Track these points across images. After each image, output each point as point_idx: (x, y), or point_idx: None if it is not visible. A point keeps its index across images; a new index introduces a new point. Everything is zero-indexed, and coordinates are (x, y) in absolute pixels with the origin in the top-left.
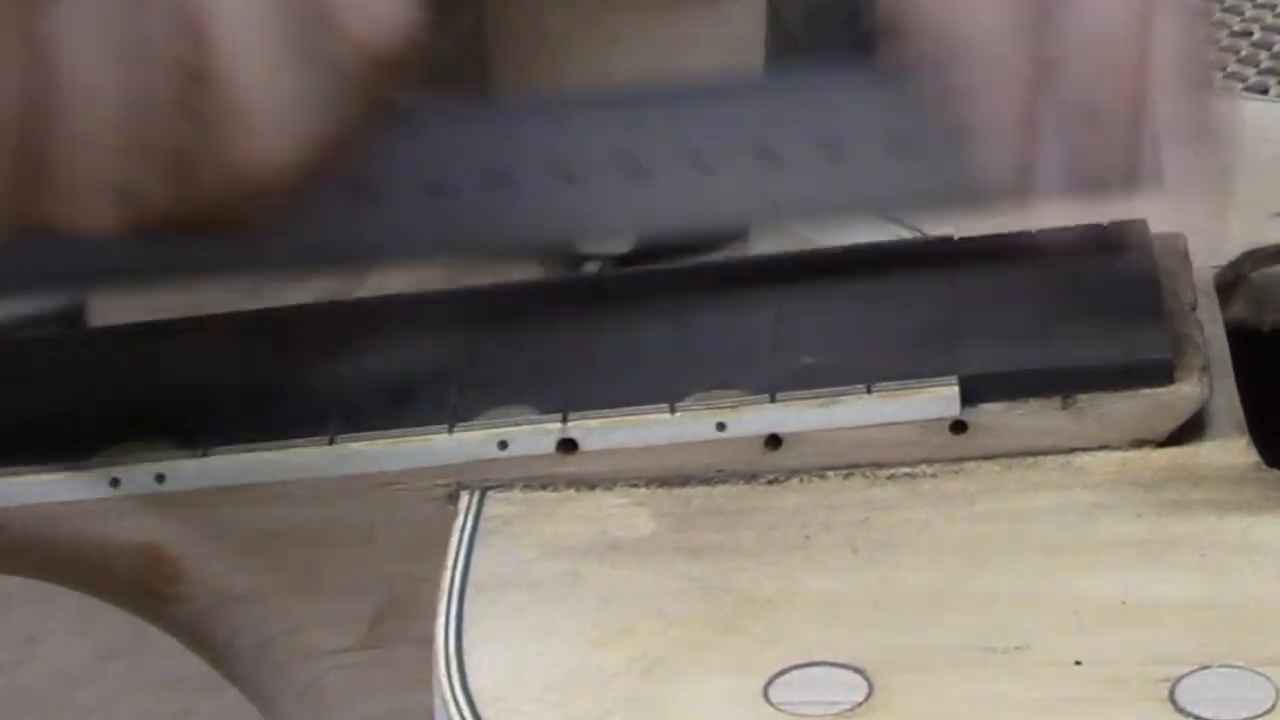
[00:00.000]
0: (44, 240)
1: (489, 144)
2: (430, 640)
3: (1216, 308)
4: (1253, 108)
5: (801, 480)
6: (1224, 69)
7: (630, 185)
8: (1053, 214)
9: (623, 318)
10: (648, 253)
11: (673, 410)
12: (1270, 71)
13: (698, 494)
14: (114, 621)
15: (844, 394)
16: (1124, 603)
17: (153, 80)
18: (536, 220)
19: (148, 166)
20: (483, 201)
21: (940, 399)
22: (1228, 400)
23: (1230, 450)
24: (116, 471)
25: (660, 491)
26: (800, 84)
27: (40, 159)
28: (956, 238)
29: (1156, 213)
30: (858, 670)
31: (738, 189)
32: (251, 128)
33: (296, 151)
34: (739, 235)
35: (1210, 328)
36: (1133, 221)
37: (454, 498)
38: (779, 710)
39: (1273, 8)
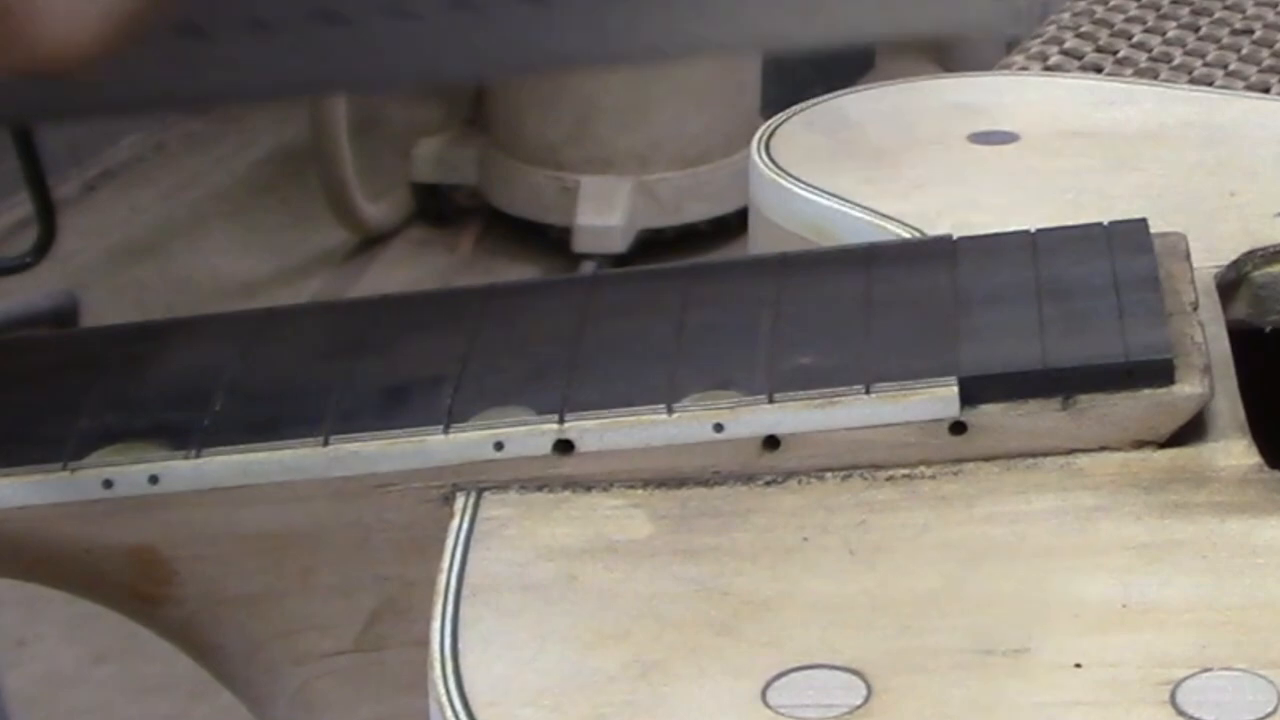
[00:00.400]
0: None
1: None
2: (425, 643)
3: (1218, 308)
4: (1254, 106)
5: (799, 482)
6: (1225, 67)
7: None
8: (1052, 215)
9: (620, 318)
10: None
11: (670, 411)
12: (1271, 70)
13: (695, 496)
14: (106, 624)
15: (842, 395)
16: (1125, 605)
17: None
18: (363, 55)
19: None
20: (309, 37)
21: (939, 400)
22: (1229, 401)
23: (1232, 451)
24: (109, 473)
25: (657, 493)
26: None
27: None
28: (955, 237)
29: (1157, 213)
30: (856, 673)
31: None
32: (39, 11)
33: (89, 34)
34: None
35: (1211, 328)
36: (1133, 221)
37: (449, 499)
38: (777, 713)
39: (1274, 6)
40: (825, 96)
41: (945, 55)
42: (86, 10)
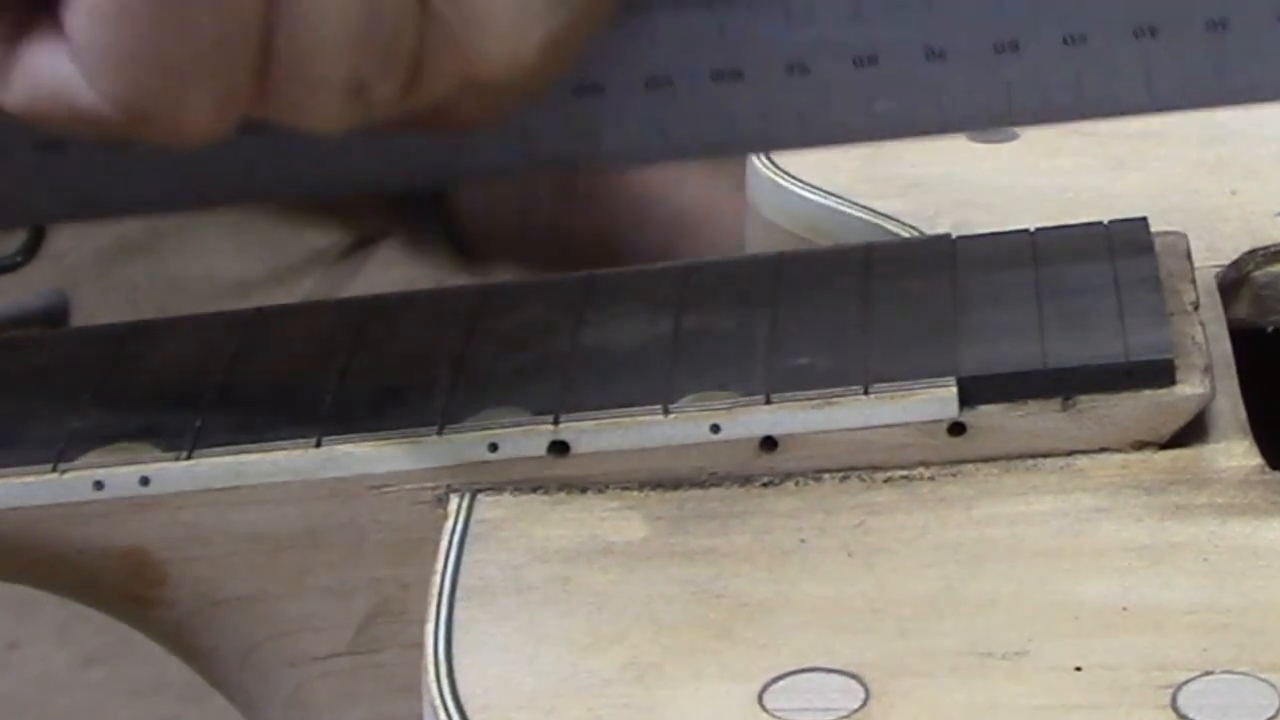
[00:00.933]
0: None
1: (716, 36)
2: (419, 646)
3: (1219, 307)
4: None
5: (797, 483)
6: None
7: (861, 77)
8: (1051, 214)
9: (615, 318)
10: None
11: (666, 412)
12: None
13: (691, 497)
14: (96, 627)
15: (840, 395)
16: (1125, 608)
17: None
18: (765, 115)
19: (380, 63)
20: (707, 96)
21: (938, 400)
22: (1231, 402)
23: (1233, 453)
24: (100, 474)
25: (653, 495)
26: None
27: (275, 52)
28: (954, 236)
29: (1157, 212)
30: (854, 676)
31: (971, 79)
32: (485, 27)
33: (535, 53)
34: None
35: (1212, 328)
36: (1133, 220)
37: (443, 501)
38: (774, 717)
39: None
40: None
41: None
42: (531, 27)
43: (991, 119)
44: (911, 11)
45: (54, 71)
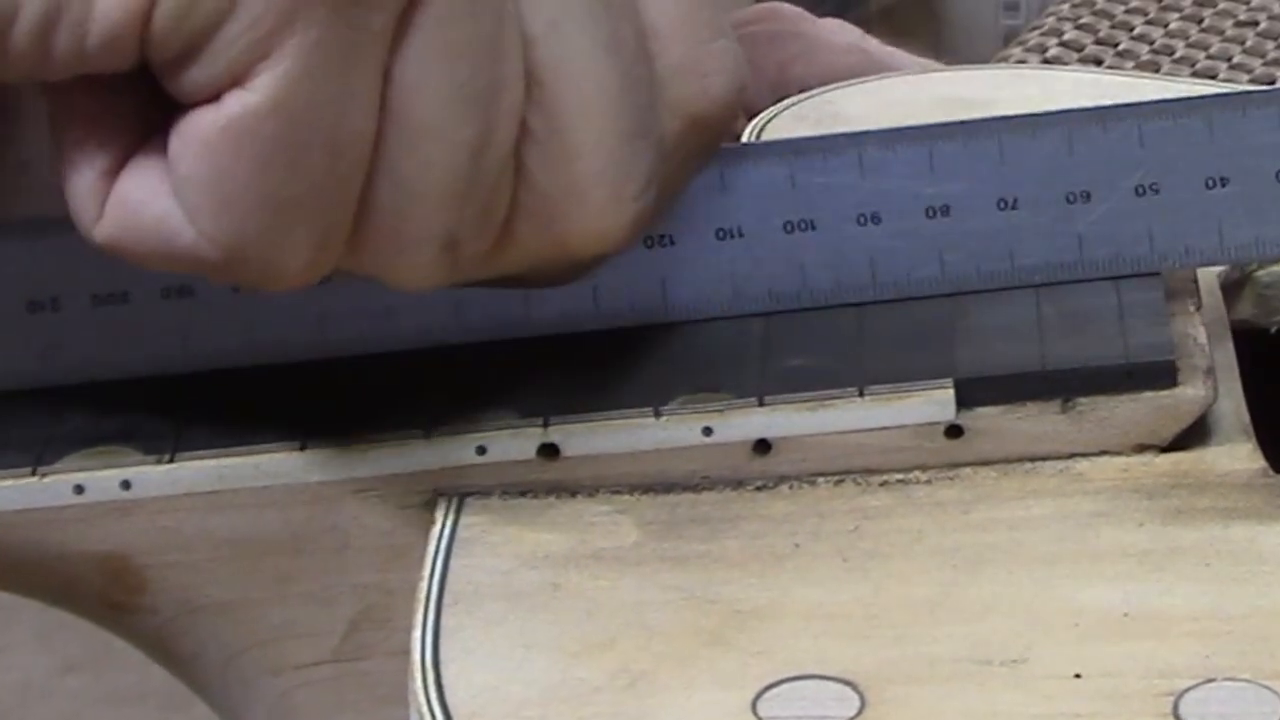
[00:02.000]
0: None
1: (790, 187)
2: (406, 653)
3: (1221, 308)
4: None
5: (791, 487)
6: (1229, 60)
7: (935, 226)
8: None
9: None
10: None
11: (657, 415)
12: (1277, 63)
13: (683, 501)
14: (76, 633)
15: (835, 397)
16: (1126, 614)
17: (491, 133)
18: (835, 264)
19: (475, 223)
20: (781, 247)
21: (935, 402)
22: (1233, 404)
23: (1236, 455)
24: (80, 478)
25: (644, 499)
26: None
27: (376, 200)
28: None
29: None
30: (849, 683)
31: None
32: (582, 200)
33: (626, 230)
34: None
35: (1215, 329)
36: None
37: (430, 505)
38: None
39: None
40: (816, 91)
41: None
42: (624, 205)
43: (1063, 269)
44: (984, 163)
45: (153, 207)
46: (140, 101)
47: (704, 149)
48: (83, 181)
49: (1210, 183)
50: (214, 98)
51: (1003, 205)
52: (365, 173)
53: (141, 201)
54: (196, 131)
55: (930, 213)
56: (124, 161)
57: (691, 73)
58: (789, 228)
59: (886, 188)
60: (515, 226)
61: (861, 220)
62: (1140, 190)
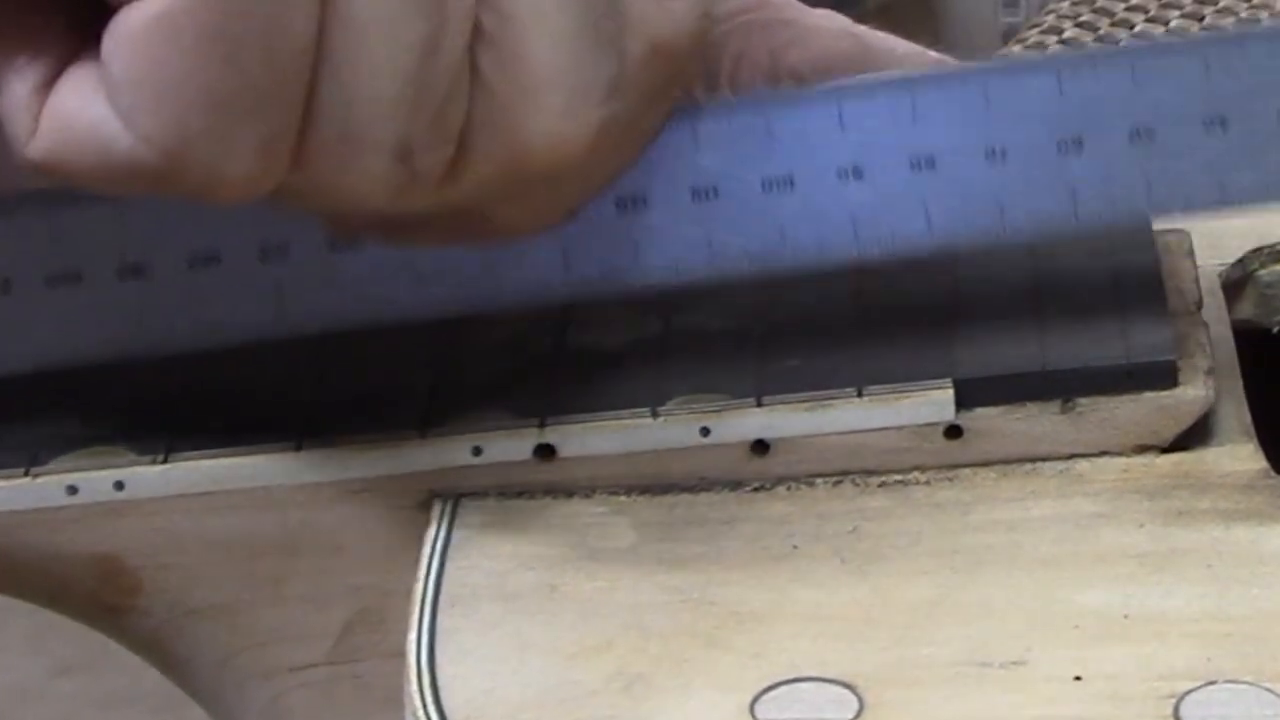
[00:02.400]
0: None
1: (764, 145)
2: (401, 655)
3: (1223, 307)
4: None
5: (789, 488)
6: None
7: (919, 179)
8: None
9: (603, 317)
10: None
11: (655, 415)
12: None
13: (680, 502)
14: (69, 635)
15: (833, 398)
16: (1126, 616)
17: (442, 32)
18: (816, 223)
19: (428, 128)
20: (758, 207)
21: (934, 403)
22: (1234, 404)
23: (1237, 456)
24: (73, 479)
25: (641, 500)
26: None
27: (322, 104)
28: None
29: None
30: (847, 686)
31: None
32: (538, 103)
33: (586, 137)
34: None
35: (1216, 328)
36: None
37: (426, 506)
38: None
39: None
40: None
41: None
42: (584, 109)
43: (1055, 222)
44: (970, 111)
45: (88, 114)
46: (72, 9)
47: (668, 80)
48: (15, 97)
49: (1209, 125)
50: None
51: (990, 156)
52: (309, 72)
53: (76, 111)
54: (128, 28)
55: (915, 165)
56: (58, 74)
57: None
58: (766, 186)
59: (868, 140)
60: (473, 137)
61: (842, 175)
62: (1135, 135)
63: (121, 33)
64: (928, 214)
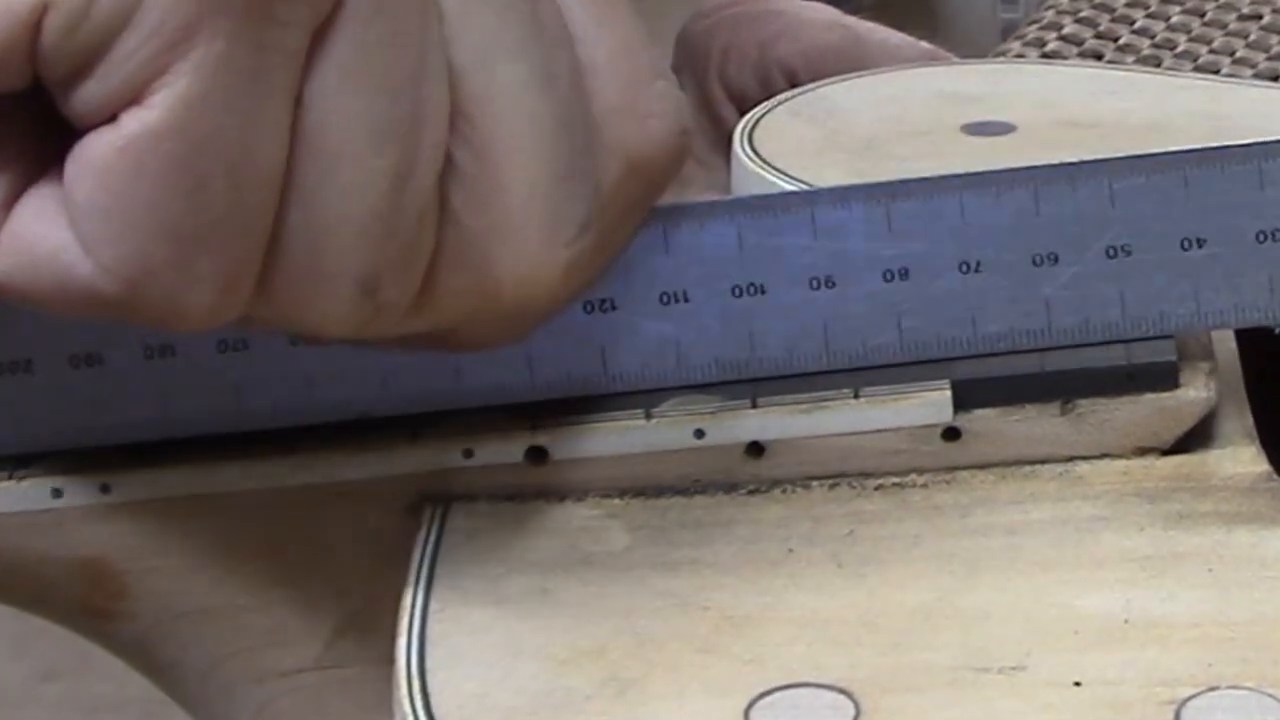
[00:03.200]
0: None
1: (738, 250)
2: (391, 660)
3: None
4: (1262, 95)
5: (784, 491)
6: (1232, 54)
7: (892, 289)
8: None
9: None
10: None
11: (648, 417)
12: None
13: (674, 505)
14: (55, 640)
15: (829, 399)
16: (1127, 620)
17: (413, 164)
18: (786, 332)
19: (396, 263)
20: (729, 313)
21: (931, 404)
22: (1236, 405)
23: (1239, 459)
24: (58, 481)
25: (635, 503)
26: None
27: (288, 235)
28: None
29: None
30: (844, 692)
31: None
32: (510, 243)
33: (557, 276)
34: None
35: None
36: None
37: (416, 509)
38: None
39: None
40: (810, 86)
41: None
42: (555, 249)
43: (1028, 337)
44: (945, 223)
45: (48, 238)
46: (36, 129)
47: (644, 197)
48: None
49: (1186, 244)
50: (112, 118)
51: (965, 268)
52: (275, 203)
53: (36, 234)
54: (92, 154)
55: (888, 275)
56: (19, 193)
57: (630, 113)
58: (737, 292)
59: (841, 249)
60: (440, 273)
61: (815, 284)
62: (1111, 252)
63: (85, 159)
64: (900, 325)
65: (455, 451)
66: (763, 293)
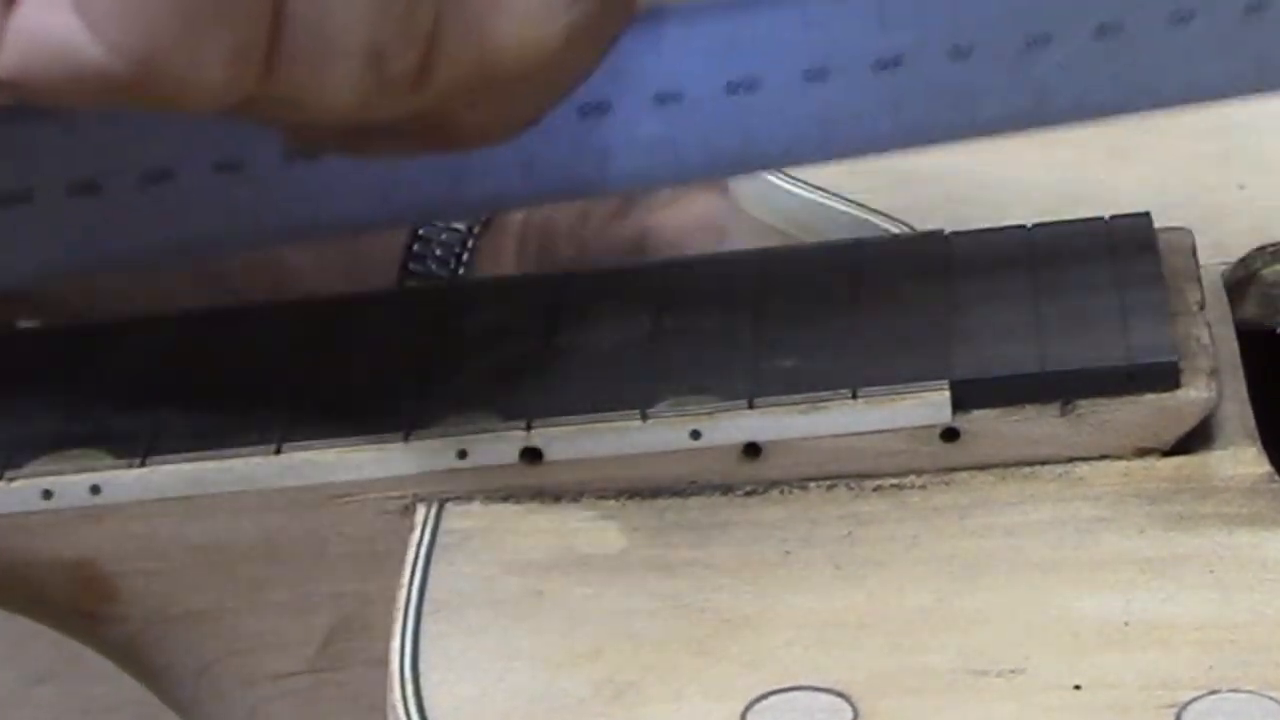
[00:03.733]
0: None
1: (731, 45)
2: (384, 663)
3: (1226, 307)
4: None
5: (781, 492)
6: None
7: (885, 79)
8: (1049, 209)
9: (591, 317)
10: None
11: (644, 417)
12: None
13: (671, 507)
14: (44, 643)
15: (827, 400)
16: (1127, 623)
17: None
18: (782, 126)
19: (398, 32)
20: (724, 110)
21: (930, 405)
22: (1238, 406)
23: (1240, 460)
24: (48, 483)
25: (631, 504)
26: None
27: (292, 11)
28: (948, 233)
29: (1161, 207)
30: (842, 695)
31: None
32: (509, 5)
33: (556, 40)
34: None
35: (1219, 329)
36: (1135, 216)
37: (410, 510)
38: None
39: None
40: None
41: None
42: (554, 12)
43: (1023, 119)
44: (937, 9)
45: (55, 26)
46: None
47: None
48: None
49: (1176, 17)
50: None
51: (957, 53)
52: None
53: (43, 23)
54: None
55: (881, 65)
56: None
57: None
58: (732, 89)
59: (834, 41)
60: (442, 42)
61: (809, 77)
62: (1102, 30)
63: None
64: (896, 113)
65: (449, 452)
66: (757, 88)
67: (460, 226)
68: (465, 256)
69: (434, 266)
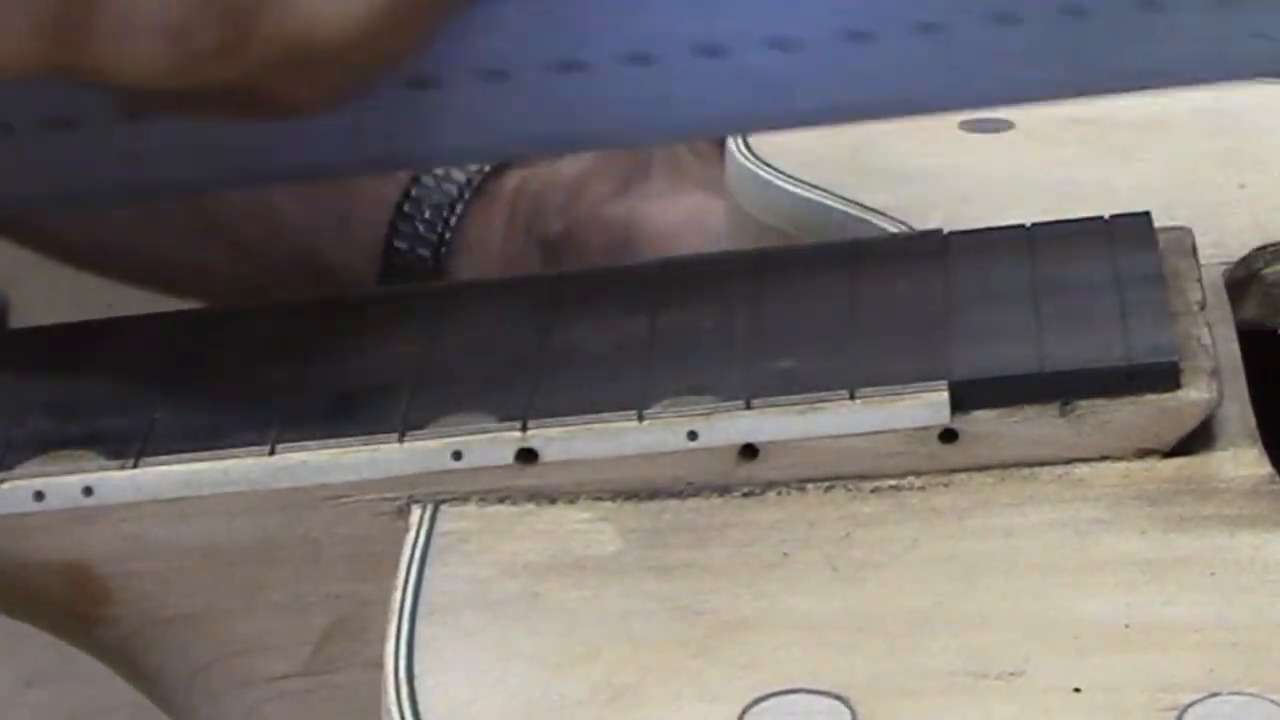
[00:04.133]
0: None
1: (556, 25)
2: (379, 665)
3: (1227, 307)
4: (1266, 92)
5: (779, 493)
6: None
7: (707, 68)
8: (1049, 209)
9: (587, 318)
10: None
11: (640, 418)
12: None
13: (668, 508)
14: (37, 646)
15: (825, 400)
16: (1127, 625)
17: None
18: (608, 108)
19: (200, 9)
20: (549, 89)
21: (929, 406)
22: (1239, 407)
23: (1241, 461)
24: (40, 484)
25: (627, 505)
26: None
27: None
28: (946, 232)
29: (1161, 206)
30: (840, 698)
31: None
32: None
33: (368, 15)
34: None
35: (1220, 329)
36: (1136, 215)
37: (405, 512)
38: None
39: None
40: None
41: None
42: None
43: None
44: None
45: None
46: None
47: None
48: None
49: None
50: None
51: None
52: None
53: None
54: None
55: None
56: None
57: None
58: (558, 68)
59: (658, 24)
60: (253, 19)
61: (633, 60)
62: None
63: None
64: (717, 100)
65: (444, 453)
66: (583, 68)
67: (452, 188)
68: (453, 221)
69: (421, 229)
